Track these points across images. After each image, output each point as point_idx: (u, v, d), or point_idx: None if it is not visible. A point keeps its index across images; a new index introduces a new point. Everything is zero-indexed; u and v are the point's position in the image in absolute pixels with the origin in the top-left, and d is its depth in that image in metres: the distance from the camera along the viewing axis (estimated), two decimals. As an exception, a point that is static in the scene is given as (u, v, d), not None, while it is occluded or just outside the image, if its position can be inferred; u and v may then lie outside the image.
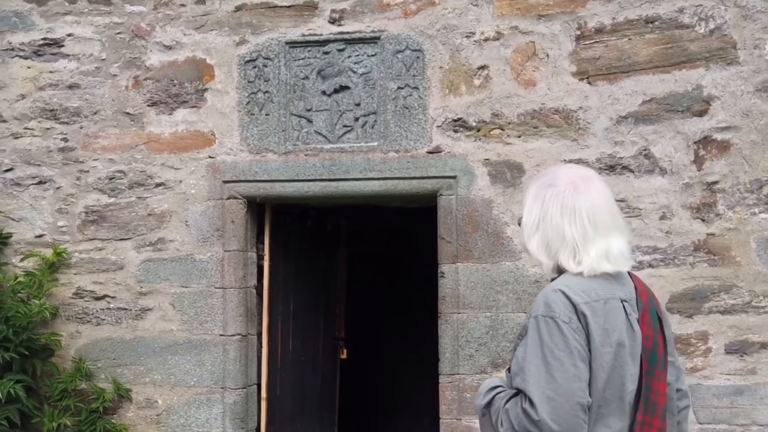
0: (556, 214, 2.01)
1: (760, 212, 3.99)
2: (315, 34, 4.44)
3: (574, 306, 1.90)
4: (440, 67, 4.31)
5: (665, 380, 1.99)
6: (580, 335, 1.88)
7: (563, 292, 1.92)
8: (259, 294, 4.76)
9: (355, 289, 6.25)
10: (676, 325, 4.00)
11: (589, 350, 1.89)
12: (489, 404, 2.01)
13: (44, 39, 4.73)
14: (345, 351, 5.79)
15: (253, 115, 4.50)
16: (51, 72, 4.72)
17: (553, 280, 2.07)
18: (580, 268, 1.98)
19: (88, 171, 4.67)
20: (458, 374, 4.25)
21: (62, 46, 4.71)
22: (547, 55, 4.20)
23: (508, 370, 2.08)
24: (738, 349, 3.98)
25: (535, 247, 2.04)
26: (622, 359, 1.91)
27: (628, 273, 2.07)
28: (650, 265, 4.05)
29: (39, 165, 4.72)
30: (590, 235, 1.98)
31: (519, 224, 2.18)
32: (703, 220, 4.04)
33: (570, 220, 1.99)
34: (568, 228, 1.99)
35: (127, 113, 4.64)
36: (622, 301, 1.96)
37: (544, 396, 1.83)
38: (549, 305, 1.91)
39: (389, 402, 7.32)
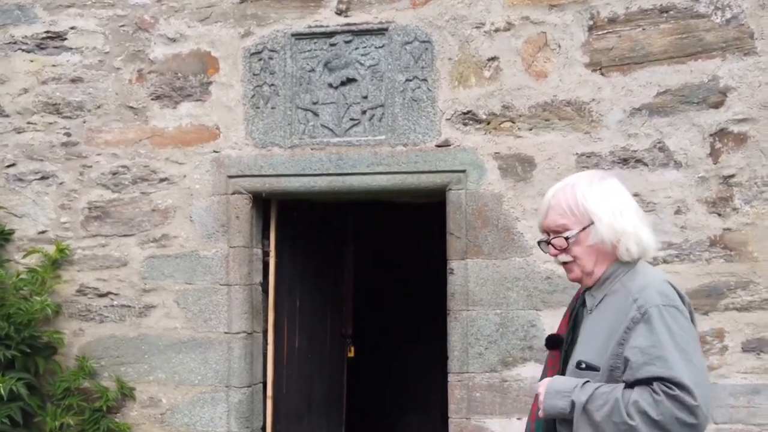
0: (628, 199, 2.14)
1: (778, 206, 3.89)
2: (321, 26, 4.36)
3: (682, 297, 2.01)
4: (449, 59, 4.22)
5: None
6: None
7: (670, 284, 2.01)
8: (265, 291, 4.69)
9: (364, 287, 6.16)
10: (692, 323, 3.90)
11: None
12: (588, 401, 1.95)
13: (47, 32, 4.66)
14: (353, 349, 5.71)
15: (259, 108, 4.42)
16: (54, 66, 4.66)
17: (599, 279, 2.11)
18: (653, 246, 2.12)
19: (91, 166, 4.60)
20: (467, 373, 4.16)
21: (65, 39, 4.64)
22: (559, 46, 4.11)
23: (578, 366, 2.04)
24: (755, 347, 3.88)
25: (623, 228, 2.07)
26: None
27: None
28: (665, 261, 3.95)
29: (42, 160, 4.66)
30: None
31: (557, 232, 2.14)
32: (719, 215, 3.94)
33: (634, 203, 2.16)
34: (638, 210, 2.14)
35: (131, 107, 4.56)
36: None
37: (693, 381, 1.85)
38: (666, 295, 1.97)
39: (398, 400, 7.23)
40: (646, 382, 1.89)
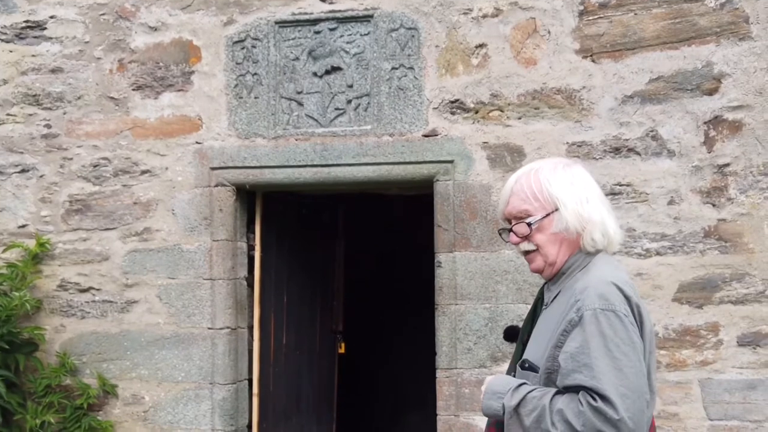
0: (595, 188, 2.03)
1: (775, 196, 3.77)
2: (306, 13, 4.25)
3: (628, 299, 1.85)
4: (436, 46, 4.11)
5: None
6: (636, 329, 1.84)
7: (616, 285, 1.86)
8: (250, 285, 4.58)
9: (355, 281, 6.06)
10: (686, 316, 3.80)
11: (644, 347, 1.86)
12: (519, 405, 1.88)
13: (26, 21, 4.56)
14: (343, 345, 5.61)
15: (242, 98, 4.31)
16: (33, 56, 4.56)
17: (558, 272, 2.01)
18: (618, 238, 2.01)
19: (71, 158, 4.50)
20: (456, 368, 4.05)
21: (45, 28, 4.54)
22: (549, 32, 3.99)
23: (521, 366, 1.97)
24: (751, 341, 3.77)
25: (600, 218, 1.98)
26: (653, 346, 1.93)
27: None
28: (658, 253, 3.83)
29: (21, 152, 4.56)
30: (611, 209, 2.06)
31: (520, 218, 2.03)
32: (713, 205, 3.82)
33: (599, 191, 2.04)
34: (604, 199, 2.03)
35: (112, 98, 4.46)
36: None
37: (619, 393, 1.74)
38: (606, 298, 1.83)
39: (391, 396, 7.12)
40: (574, 389, 1.80)
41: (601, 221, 1.97)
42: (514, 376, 2.02)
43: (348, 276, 5.61)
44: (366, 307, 6.70)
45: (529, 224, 2.01)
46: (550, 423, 1.79)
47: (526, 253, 2.06)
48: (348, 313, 5.61)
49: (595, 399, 1.74)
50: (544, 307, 2.06)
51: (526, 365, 1.95)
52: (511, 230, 2.06)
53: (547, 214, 1.99)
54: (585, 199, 1.98)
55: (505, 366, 3.95)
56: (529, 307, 3.88)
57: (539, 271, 2.07)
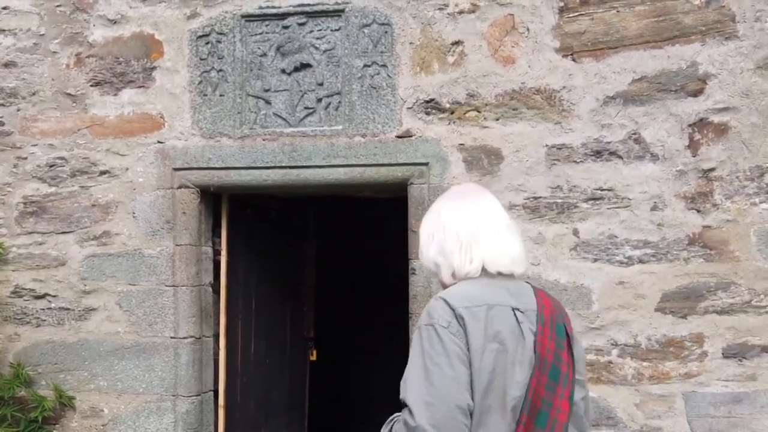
0: (450, 218, 2.05)
1: (761, 202, 3.63)
2: (273, 7, 4.05)
3: (453, 310, 1.90)
4: (410, 43, 3.92)
5: (569, 397, 1.93)
6: (460, 338, 1.86)
7: (444, 299, 1.92)
8: (216, 292, 4.38)
9: (328, 287, 5.87)
10: (669, 327, 3.66)
11: (469, 353, 1.86)
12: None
13: (-22, 13, 4.32)
14: (315, 352, 5.43)
15: (206, 95, 4.10)
16: (-15, 49, 4.32)
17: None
18: (473, 266, 1.99)
19: (26, 158, 4.27)
20: (430, 380, 3.87)
21: (-3, 20, 4.30)
22: (528, 30, 3.82)
23: None
24: (736, 352, 3.62)
25: (434, 254, 2.06)
26: (503, 365, 1.88)
27: (534, 288, 2.06)
28: (640, 261, 3.68)
29: (-27, 151, 4.32)
30: (482, 235, 2.02)
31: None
32: (698, 211, 3.68)
33: (462, 221, 2.03)
34: (461, 229, 2.03)
35: (69, 94, 4.23)
36: (513, 309, 1.95)
37: (422, 402, 1.81)
38: (430, 314, 1.91)
39: (364, 406, 6.94)
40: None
41: (439, 258, 2.07)
42: None
43: (321, 281, 5.43)
44: (339, 312, 6.51)
45: None
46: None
47: None
48: (321, 319, 5.43)
49: (405, 411, 1.82)
50: None
51: None
52: None
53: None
54: (432, 235, 2.10)
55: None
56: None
57: None
